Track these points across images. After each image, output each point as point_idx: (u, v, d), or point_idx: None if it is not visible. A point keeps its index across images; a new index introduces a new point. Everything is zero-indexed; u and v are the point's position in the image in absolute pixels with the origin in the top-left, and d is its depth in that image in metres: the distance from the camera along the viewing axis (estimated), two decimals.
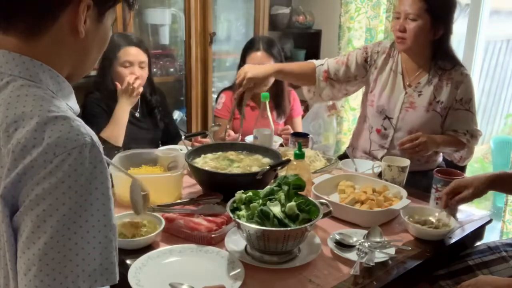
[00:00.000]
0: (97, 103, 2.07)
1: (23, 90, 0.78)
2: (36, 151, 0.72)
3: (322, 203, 1.26)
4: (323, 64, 2.08)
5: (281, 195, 1.23)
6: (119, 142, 1.99)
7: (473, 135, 1.92)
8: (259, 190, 1.28)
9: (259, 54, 2.34)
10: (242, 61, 2.40)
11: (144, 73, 2.12)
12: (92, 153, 0.75)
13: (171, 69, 3.05)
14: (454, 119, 1.92)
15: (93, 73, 2.15)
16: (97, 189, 0.75)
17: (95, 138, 0.77)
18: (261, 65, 2.03)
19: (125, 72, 2.06)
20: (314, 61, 2.13)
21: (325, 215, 1.24)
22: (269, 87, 2.38)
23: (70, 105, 0.86)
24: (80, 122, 0.77)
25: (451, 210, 1.48)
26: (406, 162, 1.73)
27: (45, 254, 0.71)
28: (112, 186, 0.84)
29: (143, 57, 2.10)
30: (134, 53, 2.08)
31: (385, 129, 2.01)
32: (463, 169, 2.05)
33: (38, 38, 0.81)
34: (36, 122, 0.74)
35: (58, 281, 0.72)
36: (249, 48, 2.39)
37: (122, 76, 2.06)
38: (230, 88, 2.52)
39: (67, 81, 0.87)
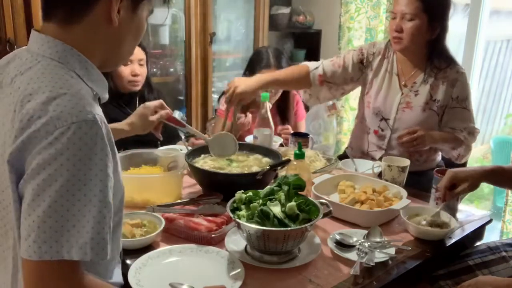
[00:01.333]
0: None
1: (48, 68, 0.84)
2: (40, 122, 0.77)
3: (322, 203, 1.26)
4: (318, 67, 2.04)
5: (281, 195, 1.23)
6: None
7: (471, 132, 1.92)
8: (259, 190, 1.28)
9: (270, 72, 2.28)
10: (250, 74, 2.31)
11: (143, 70, 2.14)
12: (93, 129, 0.79)
13: (171, 69, 3.05)
14: (451, 117, 1.92)
15: None
16: (96, 165, 0.79)
17: (100, 117, 0.81)
18: (250, 79, 1.96)
19: (126, 71, 2.08)
20: (308, 64, 2.08)
21: (325, 215, 1.24)
22: (278, 97, 2.37)
23: (96, 91, 0.91)
24: (88, 101, 0.82)
25: (452, 210, 1.48)
26: (406, 162, 1.73)
27: (44, 222, 0.76)
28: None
29: (142, 55, 2.13)
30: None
31: (382, 130, 2.01)
32: None
33: (74, 26, 0.87)
34: (46, 96, 0.79)
35: (55, 249, 0.76)
36: (258, 63, 2.33)
37: (122, 74, 2.08)
38: None
39: (102, 69, 0.93)
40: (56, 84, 0.81)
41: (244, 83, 1.90)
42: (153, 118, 1.61)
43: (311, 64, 2.07)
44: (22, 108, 0.80)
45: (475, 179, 1.43)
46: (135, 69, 2.09)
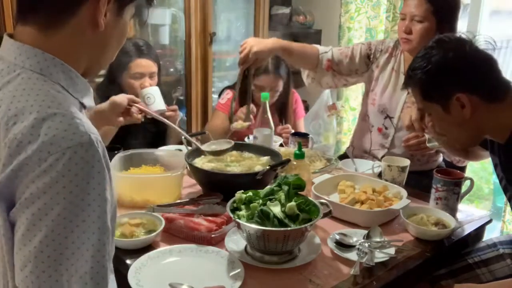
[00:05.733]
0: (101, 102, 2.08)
1: (29, 83, 0.78)
2: (31, 148, 0.71)
3: (322, 203, 1.26)
4: (327, 52, 2.03)
5: (281, 195, 1.23)
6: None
7: None
8: (259, 190, 1.28)
9: (268, 78, 2.29)
10: (249, 74, 2.34)
11: (154, 82, 2.13)
12: (89, 152, 0.74)
13: (171, 69, 3.05)
14: None
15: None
16: (94, 190, 0.74)
17: (95, 136, 0.76)
18: (265, 40, 1.92)
19: (136, 84, 2.07)
20: (318, 46, 2.07)
21: (325, 215, 1.24)
22: (277, 98, 2.37)
23: (82, 101, 0.85)
24: (80, 120, 0.76)
25: (452, 210, 1.48)
26: (406, 162, 1.73)
27: (41, 252, 0.71)
28: None
29: (154, 68, 2.11)
30: (144, 65, 2.07)
31: (386, 128, 2.01)
32: (463, 169, 2.05)
33: (57, 30, 0.81)
34: (34, 118, 0.73)
35: (54, 278, 0.72)
36: (257, 68, 2.28)
37: (133, 87, 2.06)
38: (234, 86, 2.50)
39: (86, 76, 0.87)
40: (43, 103, 0.74)
41: (260, 43, 1.83)
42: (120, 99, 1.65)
43: (321, 48, 2.06)
44: (7, 132, 0.73)
45: None
46: (144, 82, 2.07)
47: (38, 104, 0.75)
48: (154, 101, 1.96)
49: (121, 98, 1.62)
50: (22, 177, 0.72)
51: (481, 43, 1.27)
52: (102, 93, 2.09)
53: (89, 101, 0.88)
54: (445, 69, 1.26)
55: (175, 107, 2.07)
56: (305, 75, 2.15)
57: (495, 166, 1.41)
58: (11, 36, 0.83)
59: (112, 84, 2.09)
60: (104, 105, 1.64)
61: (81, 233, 0.73)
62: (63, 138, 0.72)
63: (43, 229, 0.71)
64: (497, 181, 1.45)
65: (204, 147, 1.65)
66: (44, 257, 0.71)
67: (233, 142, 1.66)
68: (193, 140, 1.70)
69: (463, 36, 1.29)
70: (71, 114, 0.75)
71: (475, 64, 1.25)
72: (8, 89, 0.78)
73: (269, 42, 1.89)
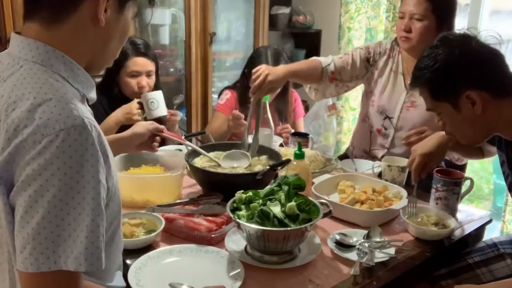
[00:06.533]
0: (100, 100, 2.08)
1: (30, 73, 0.81)
2: (26, 131, 0.74)
3: (322, 203, 1.26)
4: (330, 64, 2.03)
5: (281, 195, 1.23)
6: None
7: None
8: (259, 190, 1.28)
9: None
10: (249, 73, 2.35)
11: (151, 81, 2.12)
12: (83, 135, 0.76)
13: (171, 69, 3.05)
14: None
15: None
16: (88, 172, 0.76)
17: (88, 120, 0.78)
18: (277, 68, 1.90)
19: (133, 83, 2.07)
20: (320, 59, 2.06)
21: (325, 215, 1.25)
22: (276, 95, 2.37)
23: (84, 92, 0.88)
24: (75, 105, 0.78)
25: (452, 210, 1.48)
26: (406, 162, 1.73)
27: (38, 234, 0.73)
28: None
29: (151, 66, 2.11)
30: (141, 63, 2.07)
31: (385, 129, 2.01)
32: (463, 169, 2.05)
33: (59, 26, 0.84)
34: (31, 103, 0.76)
35: (52, 260, 0.74)
36: (256, 62, 2.29)
37: (130, 86, 2.07)
38: (234, 87, 2.51)
39: (89, 71, 0.90)
40: (41, 90, 0.78)
41: (274, 71, 1.82)
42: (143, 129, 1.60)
43: (323, 60, 2.05)
44: (7, 118, 0.77)
45: (441, 155, 1.59)
46: (141, 80, 2.07)
47: (36, 91, 0.78)
48: (158, 106, 1.97)
49: (143, 130, 1.61)
50: (19, 160, 0.75)
51: (486, 38, 1.26)
52: (100, 92, 2.09)
53: (91, 93, 0.91)
54: (452, 66, 1.24)
55: (175, 111, 2.10)
56: (307, 88, 2.15)
57: (502, 163, 1.40)
58: (18, 33, 0.86)
59: (110, 82, 2.09)
60: (125, 133, 1.65)
61: (77, 215, 0.75)
62: (57, 121, 0.75)
63: (40, 210, 0.73)
64: (497, 181, 1.46)
65: (222, 163, 1.65)
66: (41, 239, 0.73)
67: (249, 156, 1.67)
68: (210, 156, 1.68)
69: (468, 32, 1.28)
70: (66, 99, 0.78)
71: (482, 59, 1.23)
72: (11, 80, 0.81)
73: (281, 70, 1.86)
